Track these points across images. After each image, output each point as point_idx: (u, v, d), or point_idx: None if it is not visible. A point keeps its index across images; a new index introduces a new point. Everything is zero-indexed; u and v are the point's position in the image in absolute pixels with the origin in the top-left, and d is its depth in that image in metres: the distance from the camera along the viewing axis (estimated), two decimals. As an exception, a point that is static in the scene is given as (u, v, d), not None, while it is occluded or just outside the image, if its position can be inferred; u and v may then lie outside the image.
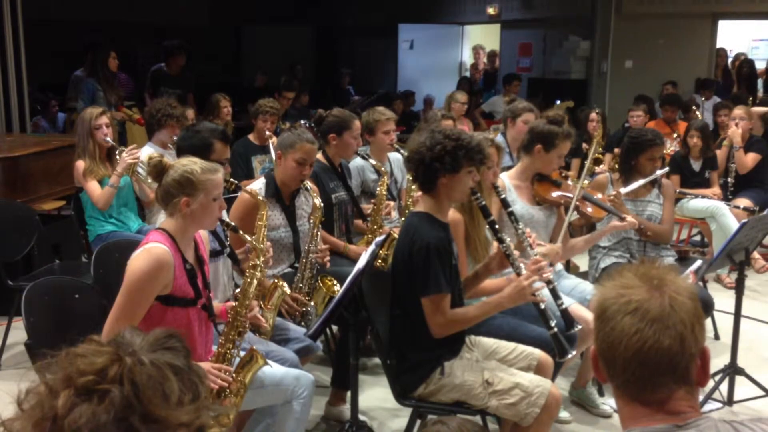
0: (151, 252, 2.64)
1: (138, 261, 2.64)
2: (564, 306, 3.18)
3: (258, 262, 3.08)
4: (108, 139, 4.65)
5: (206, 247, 3.00)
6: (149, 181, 4.64)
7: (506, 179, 3.95)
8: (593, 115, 7.21)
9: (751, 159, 6.39)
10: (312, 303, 3.69)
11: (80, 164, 4.60)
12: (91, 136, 4.62)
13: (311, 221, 3.83)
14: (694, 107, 8.30)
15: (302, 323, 3.60)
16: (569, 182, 4.13)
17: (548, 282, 3.14)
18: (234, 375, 2.81)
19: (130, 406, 1.03)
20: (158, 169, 2.76)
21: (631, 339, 1.40)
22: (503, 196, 3.40)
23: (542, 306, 2.98)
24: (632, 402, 1.45)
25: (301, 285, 3.72)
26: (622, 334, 1.41)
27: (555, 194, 3.96)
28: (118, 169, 4.55)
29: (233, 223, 3.20)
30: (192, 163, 2.77)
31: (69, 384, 1.05)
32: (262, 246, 3.16)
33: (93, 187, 4.58)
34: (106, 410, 1.02)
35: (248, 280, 3.02)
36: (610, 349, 1.43)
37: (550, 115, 5.42)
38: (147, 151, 4.87)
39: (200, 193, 2.72)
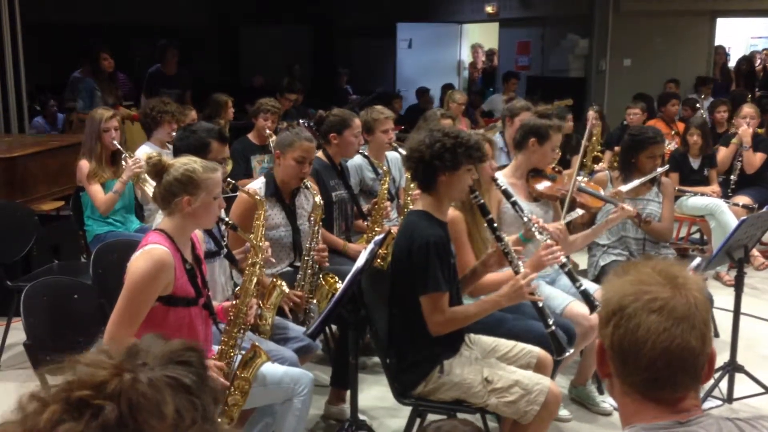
0: (151, 253, 2.63)
1: (138, 263, 2.63)
2: (583, 287, 3.17)
3: (257, 260, 3.09)
4: (115, 142, 4.63)
5: (201, 246, 3.00)
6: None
7: (501, 178, 3.95)
8: (591, 113, 7.20)
9: (759, 158, 6.37)
10: (314, 300, 3.69)
11: (84, 164, 4.58)
12: (99, 138, 4.59)
13: (311, 219, 3.83)
14: (693, 105, 8.29)
15: (305, 321, 3.59)
16: (563, 176, 4.14)
17: (563, 265, 3.12)
18: (237, 372, 2.82)
19: (123, 425, 1.00)
20: (158, 168, 2.74)
21: (659, 337, 1.36)
22: (504, 187, 3.40)
23: (540, 304, 2.97)
24: (643, 400, 1.42)
25: (303, 283, 3.72)
26: (649, 332, 1.37)
27: (551, 188, 3.96)
28: (123, 177, 4.51)
29: (232, 222, 3.19)
30: (192, 162, 2.77)
31: (64, 396, 1.01)
32: (260, 244, 3.16)
33: (96, 190, 4.55)
34: (94, 429, 0.98)
35: (248, 278, 3.03)
36: (633, 346, 1.39)
37: (540, 110, 5.42)
38: (145, 151, 4.87)
39: (202, 191, 2.72)
